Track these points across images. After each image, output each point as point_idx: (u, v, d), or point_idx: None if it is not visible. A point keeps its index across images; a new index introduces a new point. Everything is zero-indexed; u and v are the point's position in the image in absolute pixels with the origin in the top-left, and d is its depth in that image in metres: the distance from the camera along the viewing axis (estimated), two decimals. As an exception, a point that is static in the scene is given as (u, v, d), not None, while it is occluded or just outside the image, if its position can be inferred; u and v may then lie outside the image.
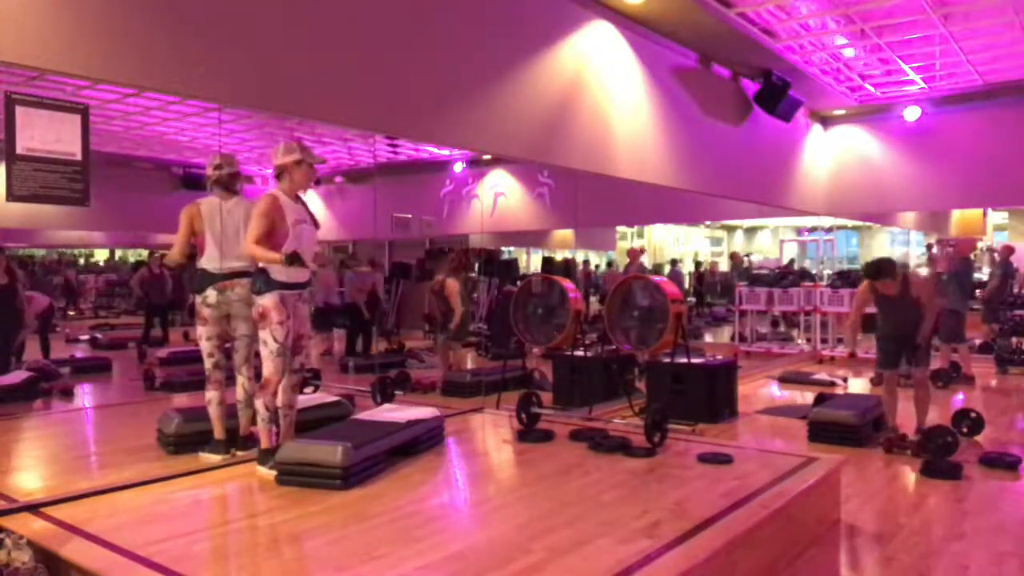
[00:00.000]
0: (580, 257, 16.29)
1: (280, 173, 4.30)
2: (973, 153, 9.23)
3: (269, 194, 4.23)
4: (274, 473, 4.04)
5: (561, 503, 3.66)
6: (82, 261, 13.69)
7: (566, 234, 14.28)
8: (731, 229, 23.66)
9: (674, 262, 16.53)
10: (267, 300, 4.16)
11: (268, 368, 4.19)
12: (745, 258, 15.43)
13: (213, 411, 4.62)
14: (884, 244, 22.18)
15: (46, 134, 3.72)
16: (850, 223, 15.23)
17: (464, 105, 5.22)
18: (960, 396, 7.77)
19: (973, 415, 5.92)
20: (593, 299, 12.77)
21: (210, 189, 4.73)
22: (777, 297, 11.21)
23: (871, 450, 5.52)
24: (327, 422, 4.79)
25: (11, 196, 3.62)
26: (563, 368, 6.96)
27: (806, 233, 17.22)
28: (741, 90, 8.42)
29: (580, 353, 6.29)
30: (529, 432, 5.17)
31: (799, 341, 11.84)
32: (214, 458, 4.54)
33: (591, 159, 6.32)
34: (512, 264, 13.87)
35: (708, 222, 20.45)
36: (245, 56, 4.01)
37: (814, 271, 12.81)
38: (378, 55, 4.65)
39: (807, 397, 7.32)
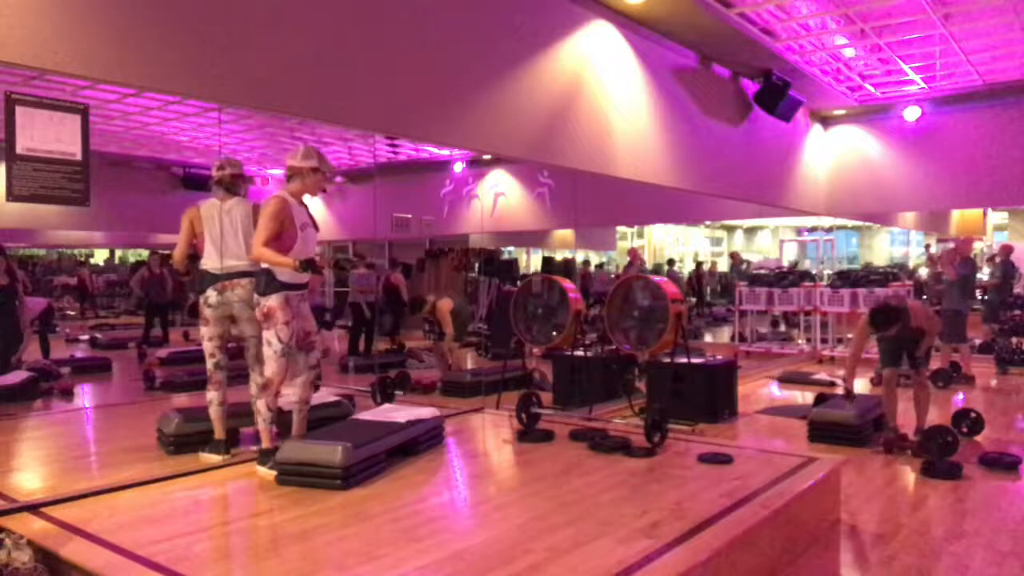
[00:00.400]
0: (580, 257, 16.29)
1: (292, 175, 4.31)
2: (973, 153, 9.23)
3: (279, 196, 4.22)
4: (274, 473, 4.05)
5: (561, 503, 3.66)
6: (82, 261, 13.68)
7: (566, 234, 14.29)
8: (731, 229, 23.68)
9: (671, 262, 16.54)
10: (272, 300, 4.16)
11: (271, 369, 4.21)
12: (744, 262, 15.43)
13: (214, 411, 4.62)
14: (884, 244, 22.20)
15: (46, 134, 3.73)
16: (850, 223, 15.25)
17: (464, 105, 5.22)
18: (960, 396, 7.77)
19: (973, 415, 5.92)
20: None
21: (212, 190, 4.72)
22: (777, 297, 11.20)
23: (871, 450, 5.52)
24: (327, 422, 4.80)
25: (11, 196, 3.63)
26: (563, 368, 6.96)
27: (806, 233, 17.23)
28: (741, 90, 8.42)
29: (580, 353, 6.29)
30: (529, 432, 5.17)
31: (799, 341, 11.84)
32: (214, 458, 4.54)
33: (591, 159, 6.32)
34: (512, 264, 13.87)
35: (708, 222, 20.47)
36: (245, 56, 4.01)
37: (814, 271, 12.82)
38: (378, 55, 4.65)
39: (807, 397, 7.32)
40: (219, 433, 4.63)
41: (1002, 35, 7.35)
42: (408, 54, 4.82)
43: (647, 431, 4.74)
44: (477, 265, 12.77)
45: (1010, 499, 4.55)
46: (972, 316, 9.28)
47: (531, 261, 15.31)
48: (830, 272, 12.21)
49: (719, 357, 7.17)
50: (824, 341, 10.93)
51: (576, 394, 6.53)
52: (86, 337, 10.76)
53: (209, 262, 4.56)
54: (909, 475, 5.02)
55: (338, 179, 12.41)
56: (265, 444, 4.25)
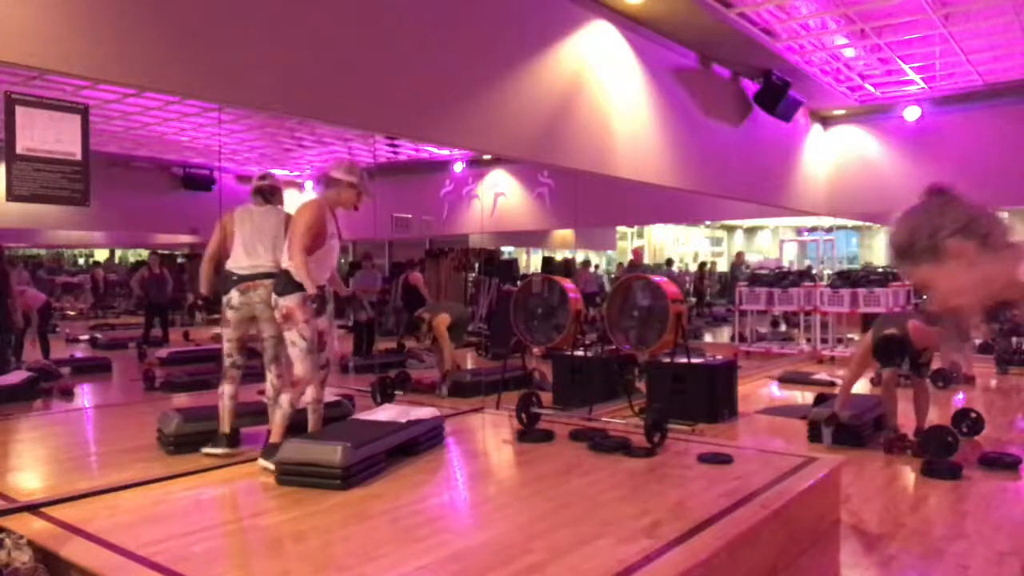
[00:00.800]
0: (580, 257, 16.30)
1: (330, 185, 4.41)
2: (973, 153, 9.23)
3: (316, 202, 4.32)
4: (274, 466, 4.06)
5: (561, 503, 3.66)
6: (82, 261, 13.69)
7: (566, 234, 14.29)
8: (731, 229, 23.67)
9: (669, 262, 16.53)
10: (291, 301, 4.21)
11: (300, 368, 4.28)
12: (744, 264, 15.44)
13: (223, 404, 4.66)
14: (884, 244, 22.18)
15: (46, 134, 3.73)
16: (850, 223, 15.26)
17: (464, 105, 5.22)
18: (960, 396, 7.77)
19: (973, 415, 5.92)
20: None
21: (252, 197, 4.85)
22: (777, 297, 11.20)
23: (871, 450, 5.52)
24: (327, 422, 4.80)
25: (11, 196, 3.63)
26: (563, 368, 6.96)
27: (806, 233, 17.23)
28: (741, 90, 8.42)
29: (580, 353, 6.29)
30: (529, 432, 5.17)
31: (799, 341, 11.84)
32: (216, 451, 4.56)
33: (591, 159, 6.32)
34: (512, 264, 13.87)
35: (708, 222, 20.47)
36: (245, 56, 4.01)
37: (814, 271, 12.81)
38: (378, 55, 4.65)
39: (807, 397, 7.32)
40: (225, 427, 4.66)
41: (1002, 35, 7.35)
42: (408, 54, 4.82)
43: (647, 431, 4.74)
44: (477, 265, 12.78)
45: (1010, 499, 4.55)
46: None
47: (531, 261, 15.32)
48: (830, 272, 12.20)
49: (719, 357, 7.17)
50: (824, 341, 10.92)
51: (576, 394, 6.53)
52: (86, 337, 10.76)
53: (234, 263, 4.65)
54: (909, 475, 5.02)
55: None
56: (275, 439, 4.29)
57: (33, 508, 3.57)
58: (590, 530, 3.24)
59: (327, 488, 3.82)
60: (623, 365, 6.94)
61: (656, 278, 6.21)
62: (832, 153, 10.40)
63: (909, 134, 9.69)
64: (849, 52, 8.06)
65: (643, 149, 6.90)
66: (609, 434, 4.97)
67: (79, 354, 9.62)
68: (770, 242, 23.44)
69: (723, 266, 19.76)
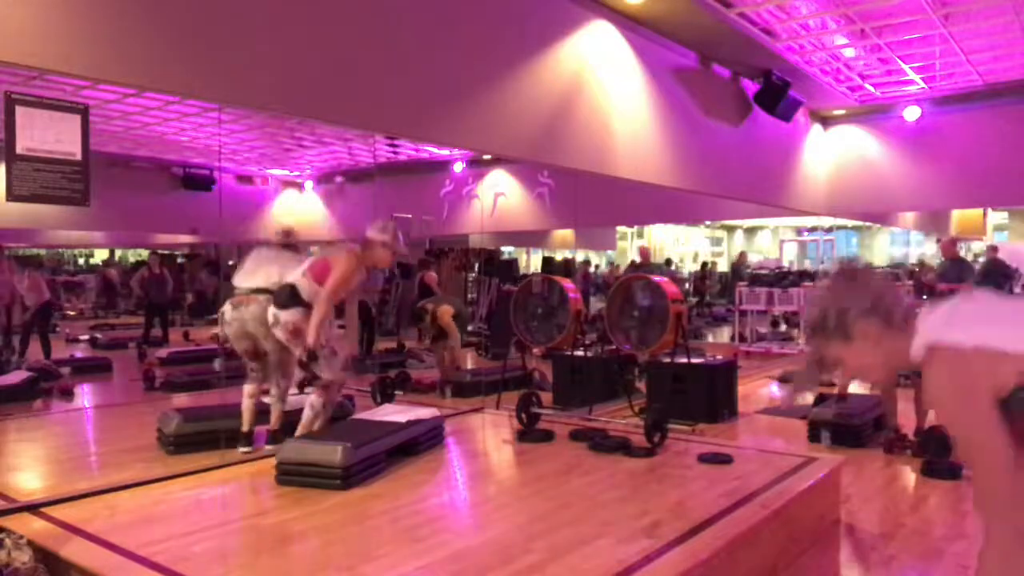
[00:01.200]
0: (580, 257, 16.29)
1: (365, 245, 4.54)
2: (973, 153, 9.22)
3: (354, 253, 4.46)
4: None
5: (561, 503, 3.66)
6: (82, 261, 13.69)
7: (566, 234, 14.28)
8: (731, 229, 23.67)
9: (668, 262, 16.53)
10: (295, 316, 4.33)
11: (327, 373, 4.38)
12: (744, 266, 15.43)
13: (245, 403, 4.78)
14: (884, 244, 22.18)
15: (46, 134, 3.72)
16: (850, 223, 15.27)
17: (464, 105, 5.22)
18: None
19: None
20: (593, 299, 12.77)
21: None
22: (777, 297, 11.20)
23: (871, 450, 5.52)
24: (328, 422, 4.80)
25: (11, 196, 3.63)
26: (563, 368, 6.96)
27: (806, 233, 17.23)
28: (741, 90, 8.42)
29: (580, 353, 6.29)
30: (529, 432, 5.17)
31: (799, 341, 11.83)
32: (245, 449, 4.69)
33: (591, 159, 6.32)
34: (512, 264, 13.87)
35: (708, 222, 20.46)
36: (245, 56, 4.01)
37: (814, 271, 12.81)
38: (378, 55, 4.65)
39: (807, 397, 7.31)
40: (246, 425, 4.77)
41: (1002, 35, 7.34)
42: (408, 54, 4.82)
43: (647, 431, 4.74)
44: (477, 265, 12.77)
45: (1010, 499, 4.55)
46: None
47: (531, 261, 15.31)
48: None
49: (719, 357, 7.17)
50: (824, 341, 10.91)
51: (576, 394, 6.53)
52: (86, 337, 10.76)
53: (237, 278, 4.79)
54: (909, 475, 5.02)
55: (338, 179, 12.41)
56: (300, 433, 4.39)
57: (33, 508, 3.57)
58: (590, 530, 3.24)
59: (327, 488, 3.82)
60: (623, 365, 6.94)
61: (656, 278, 6.21)
62: (832, 153, 10.40)
63: (909, 134, 9.68)
64: (849, 52, 8.06)
65: (643, 149, 6.90)
66: (609, 434, 4.97)
67: (79, 354, 9.62)
68: (770, 242, 23.44)
69: (723, 266, 19.75)
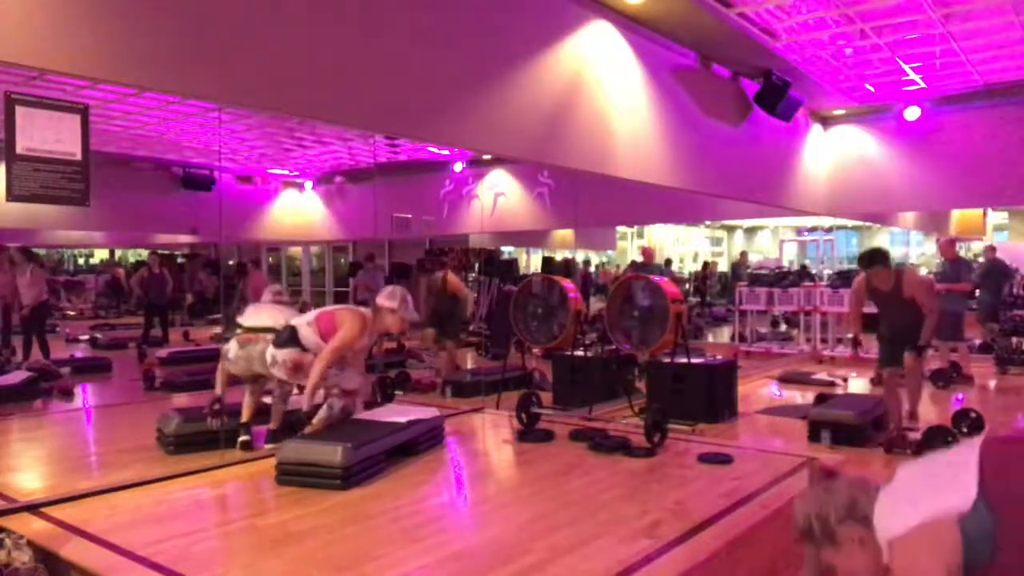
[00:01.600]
0: (580, 257, 16.28)
1: (376, 311, 4.65)
2: (973, 153, 9.23)
3: (364, 318, 4.54)
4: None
5: (561, 503, 3.66)
6: (82, 261, 13.69)
7: (566, 234, 14.27)
8: (731, 229, 23.63)
9: (668, 263, 16.51)
10: (292, 354, 4.44)
11: (350, 383, 4.48)
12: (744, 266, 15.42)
13: (247, 399, 4.93)
14: (884, 244, 22.17)
15: (46, 134, 3.72)
16: (850, 223, 15.26)
17: (464, 105, 5.22)
18: (960, 396, 7.77)
19: (973, 415, 5.91)
20: (593, 299, 12.78)
21: None
22: (777, 297, 11.20)
23: (871, 450, 5.52)
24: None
25: (11, 196, 3.63)
26: (563, 368, 6.96)
27: (806, 233, 17.22)
28: (741, 90, 8.42)
29: (580, 353, 6.29)
30: (529, 432, 5.17)
31: (799, 341, 11.83)
32: (240, 439, 4.82)
33: (591, 159, 6.32)
34: (512, 264, 13.86)
35: (708, 222, 20.44)
36: (245, 56, 4.01)
37: (814, 271, 12.80)
38: (378, 55, 4.65)
39: (807, 397, 7.31)
40: (245, 416, 4.91)
41: (1002, 35, 7.34)
42: (408, 54, 4.82)
43: (647, 431, 4.74)
44: (477, 265, 12.77)
45: (1010, 499, 4.55)
46: (971, 316, 9.30)
47: (531, 261, 15.30)
48: (830, 272, 12.19)
49: (719, 357, 7.17)
50: (824, 341, 10.92)
51: (576, 394, 6.53)
52: (86, 337, 10.77)
53: (243, 318, 4.95)
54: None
55: (338, 179, 12.42)
56: (309, 431, 4.45)
57: (33, 508, 3.57)
58: (590, 530, 3.24)
59: (327, 488, 3.82)
60: (623, 365, 6.93)
61: (656, 278, 6.21)
62: (832, 153, 10.40)
63: (909, 134, 9.68)
64: (849, 52, 8.06)
65: (643, 149, 6.90)
66: (609, 434, 4.97)
67: (79, 354, 9.62)
68: (770, 242, 23.41)
69: (723, 266, 19.73)
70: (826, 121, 10.34)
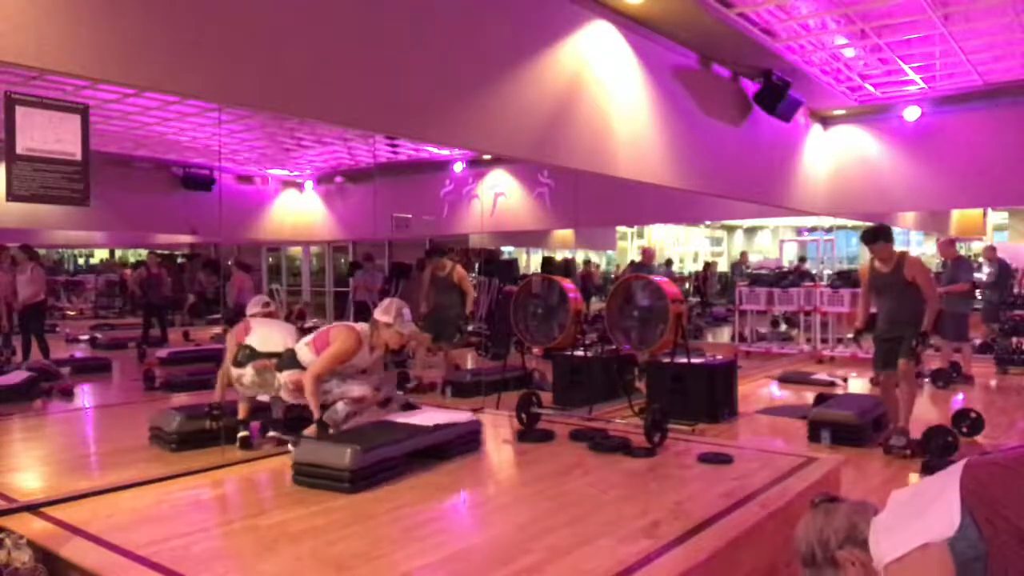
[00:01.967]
0: (580, 257, 16.28)
1: (372, 327, 4.63)
2: (973, 153, 9.23)
3: (356, 333, 4.54)
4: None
5: (561, 503, 3.66)
6: (82, 261, 13.69)
7: (566, 234, 14.28)
8: (731, 229, 23.63)
9: (669, 263, 16.51)
10: (292, 375, 4.50)
11: (357, 391, 4.45)
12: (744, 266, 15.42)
13: (273, 400, 5.05)
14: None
15: (46, 134, 3.72)
16: (850, 223, 15.26)
17: (464, 105, 5.22)
18: (960, 396, 7.77)
19: (973, 415, 5.92)
20: (594, 299, 12.78)
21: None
22: (777, 297, 11.21)
23: (871, 450, 5.52)
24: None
25: (11, 196, 3.63)
26: (563, 368, 6.96)
27: (806, 233, 17.21)
28: (741, 90, 8.42)
29: (580, 353, 6.29)
30: (529, 432, 5.17)
31: (799, 341, 11.84)
32: (240, 434, 4.94)
33: (591, 159, 6.32)
34: (512, 264, 13.86)
35: (708, 222, 20.43)
36: (245, 56, 4.01)
37: (814, 271, 12.80)
38: (378, 55, 4.65)
39: (807, 397, 7.32)
40: (242, 413, 5.01)
41: (1002, 35, 7.34)
42: (408, 54, 4.82)
43: (647, 431, 4.74)
44: (477, 265, 12.77)
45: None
46: (972, 316, 9.30)
47: (531, 261, 15.30)
48: (830, 272, 12.20)
49: (719, 357, 7.17)
50: (824, 341, 10.93)
51: (576, 394, 6.53)
52: (86, 337, 10.77)
53: (255, 341, 4.94)
54: (909, 475, 5.02)
55: (338, 179, 12.42)
56: (309, 432, 4.44)
57: (33, 508, 3.57)
58: (590, 530, 3.24)
59: (336, 490, 3.79)
60: (623, 365, 6.94)
61: (656, 278, 6.21)
62: (832, 153, 10.40)
63: (909, 134, 9.68)
64: (849, 52, 8.06)
65: (643, 149, 6.90)
66: (609, 434, 4.97)
67: (79, 354, 9.62)
68: (770, 242, 23.41)
69: (723, 266, 19.73)
70: (826, 121, 10.34)
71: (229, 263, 10.98)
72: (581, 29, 6.16)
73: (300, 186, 12.80)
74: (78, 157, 3.82)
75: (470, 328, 9.80)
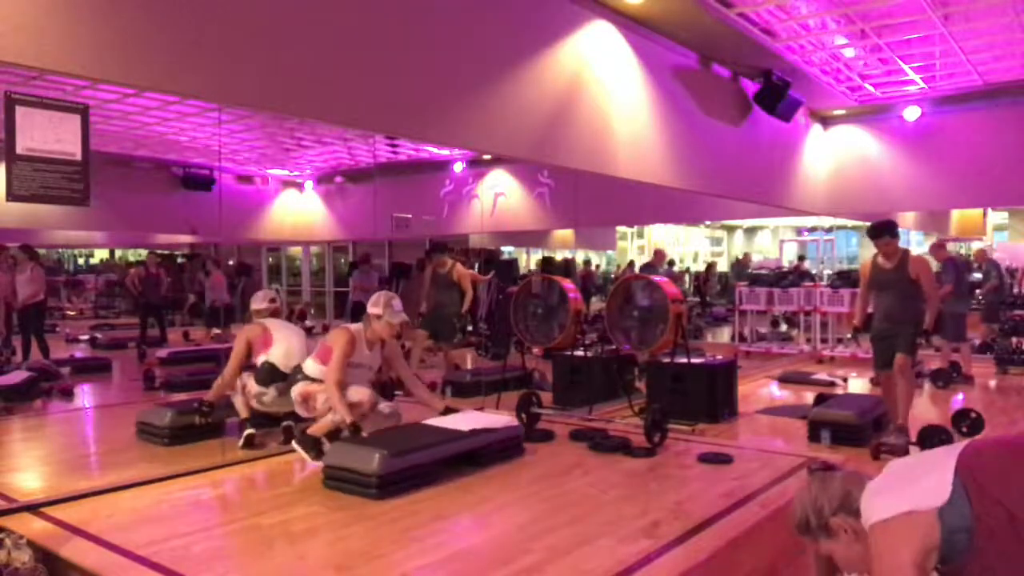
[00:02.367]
0: (580, 257, 16.29)
1: (366, 319, 4.70)
2: (973, 153, 9.23)
3: (348, 330, 4.61)
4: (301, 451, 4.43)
5: (561, 503, 3.66)
6: (82, 261, 13.69)
7: (566, 234, 14.28)
8: (731, 229, 23.64)
9: (671, 263, 16.52)
10: (300, 388, 4.61)
11: (355, 395, 4.46)
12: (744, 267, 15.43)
13: (239, 399, 5.08)
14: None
15: (46, 134, 3.72)
16: (850, 223, 15.28)
17: (464, 105, 5.22)
18: (960, 396, 7.77)
19: (973, 415, 5.91)
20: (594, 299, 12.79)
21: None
22: (777, 297, 11.21)
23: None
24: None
25: (11, 196, 3.63)
26: (563, 368, 6.95)
27: (806, 233, 17.22)
28: (741, 90, 8.42)
29: (580, 353, 6.28)
30: (529, 432, 5.17)
31: (799, 341, 11.84)
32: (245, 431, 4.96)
33: (591, 159, 6.32)
34: (512, 264, 13.87)
35: (708, 222, 20.44)
36: (245, 56, 4.01)
37: (814, 271, 12.80)
38: (378, 55, 4.65)
39: (807, 397, 7.31)
40: (244, 412, 5.07)
41: (1002, 35, 7.34)
42: (408, 54, 4.82)
43: (647, 431, 4.74)
44: (477, 265, 12.77)
45: (1010, 499, 4.54)
46: (972, 316, 9.31)
47: (531, 261, 15.31)
48: (830, 272, 12.20)
49: (719, 357, 7.17)
50: (824, 341, 10.92)
51: (576, 394, 6.53)
52: (86, 337, 10.77)
53: (278, 357, 4.98)
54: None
55: (338, 179, 12.42)
56: (313, 431, 4.51)
57: (33, 508, 3.57)
58: (590, 530, 3.24)
59: (364, 496, 3.72)
60: (623, 365, 6.93)
61: (656, 278, 6.20)
62: (832, 153, 10.40)
63: (909, 134, 9.69)
64: (849, 52, 8.06)
65: (643, 149, 6.90)
66: (609, 434, 4.97)
67: (79, 354, 9.61)
68: (770, 242, 23.41)
69: (723, 266, 19.74)
70: (826, 121, 10.34)
71: (204, 262, 10.99)
72: (581, 29, 6.16)
73: (300, 186, 12.80)
74: (78, 157, 3.82)
75: (469, 328, 9.81)
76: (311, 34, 4.29)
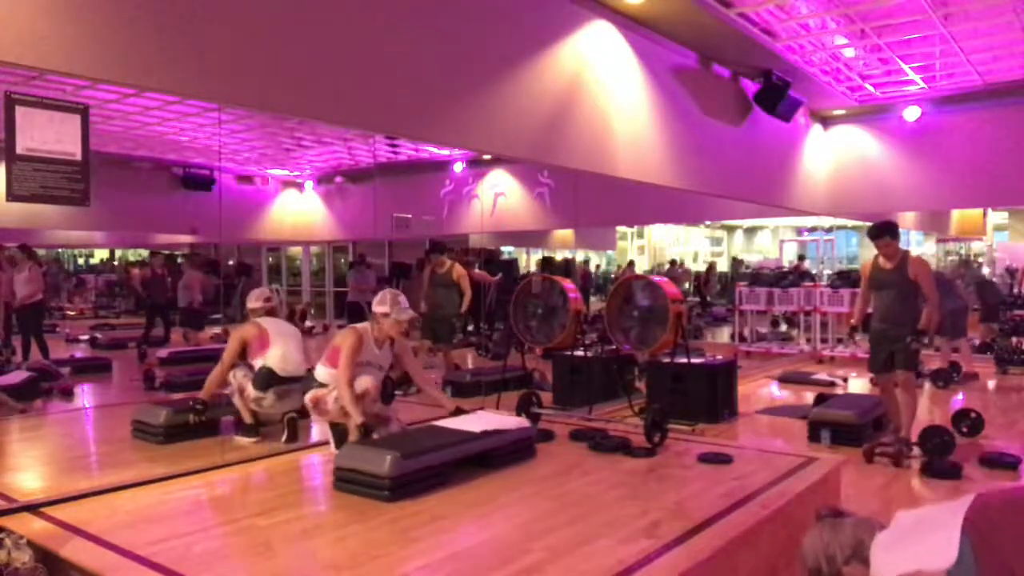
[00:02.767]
0: (580, 257, 16.29)
1: (373, 318, 4.67)
2: (973, 153, 9.23)
3: (354, 330, 4.59)
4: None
5: (561, 503, 3.66)
6: (81, 261, 13.69)
7: (566, 234, 14.29)
8: (731, 229, 23.64)
9: (673, 263, 16.54)
10: (313, 393, 4.60)
11: (360, 385, 4.46)
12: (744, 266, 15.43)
13: (239, 400, 5.12)
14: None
15: (46, 134, 3.72)
16: (850, 223, 15.28)
17: (464, 105, 5.22)
18: (960, 396, 7.77)
19: (973, 415, 5.91)
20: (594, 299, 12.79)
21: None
22: (777, 297, 11.21)
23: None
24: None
25: (11, 196, 3.63)
26: (563, 368, 6.95)
27: (806, 233, 17.22)
28: (741, 90, 8.42)
29: (580, 353, 6.28)
30: (529, 432, 5.16)
31: (799, 341, 11.84)
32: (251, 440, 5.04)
33: (591, 159, 6.32)
34: (512, 264, 13.88)
35: (708, 222, 20.46)
36: (245, 56, 4.01)
37: (814, 271, 12.80)
38: (378, 55, 4.65)
39: (807, 397, 7.31)
40: (248, 417, 5.12)
41: (1002, 35, 7.35)
42: (408, 54, 4.82)
43: (647, 431, 4.74)
44: (477, 265, 12.78)
45: (1010, 499, 4.54)
46: (971, 316, 9.33)
47: (531, 261, 15.31)
48: (830, 272, 12.20)
49: (719, 357, 7.17)
50: (824, 341, 10.93)
51: (576, 394, 6.53)
52: (86, 337, 10.76)
53: (280, 362, 5.00)
54: (909, 475, 5.02)
55: (338, 179, 12.43)
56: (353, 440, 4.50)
57: (33, 508, 3.57)
58: (590, 530, 3.24)
59: (376, 499, 3.68)
60: (623, 365, 6.93)
61: (656, 278, 6.20)
62: (832, 153, 10.40)
63: (909, 134, 9.69)
64: (849, 52, 8.07)
65: (643, 149, 6.90)
66: (609, 434, 4.97)
67: (79, 354, 9.61)
68: (770, 242, 23.42)
69: (723, 266, 19.75)
70: (826, 121, 10.34)
71: (179, 260, 10.96)
72: (581, 29, 6.16)
73: (300, 186, 12.81)
74: (78, 157, 3.82)
75: (469, 328, 9.82)
76: (311, 34, 4.29)
